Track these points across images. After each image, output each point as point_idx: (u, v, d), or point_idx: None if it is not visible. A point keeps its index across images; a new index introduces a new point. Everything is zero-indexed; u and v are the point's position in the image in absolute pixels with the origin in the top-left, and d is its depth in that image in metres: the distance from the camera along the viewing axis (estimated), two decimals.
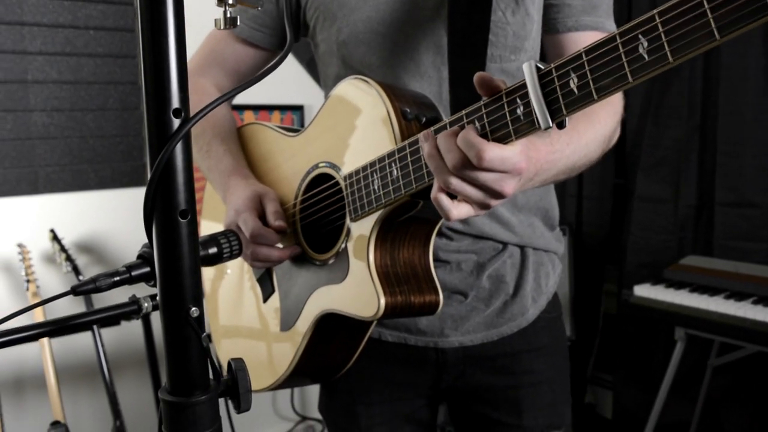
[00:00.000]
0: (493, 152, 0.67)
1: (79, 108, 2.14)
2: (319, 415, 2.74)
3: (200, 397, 0.58)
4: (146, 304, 0.75)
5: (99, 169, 2.19)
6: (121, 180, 2.24)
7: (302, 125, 2.80)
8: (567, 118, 0.65)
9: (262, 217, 0.97)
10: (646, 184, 2.57)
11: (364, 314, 0.85)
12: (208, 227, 1.23)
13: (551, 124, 0.64)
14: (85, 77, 2.13)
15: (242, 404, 0.63)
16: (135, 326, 2.18)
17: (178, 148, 0.55)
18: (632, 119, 2.62)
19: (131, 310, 0.74)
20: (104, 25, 2.14)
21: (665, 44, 0.56)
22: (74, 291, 0.70)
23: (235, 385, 0.63)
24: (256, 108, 2.61)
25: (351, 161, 0.89)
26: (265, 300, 1.07)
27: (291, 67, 2.57)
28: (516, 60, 0.98)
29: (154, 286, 0.76)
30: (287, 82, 2.54)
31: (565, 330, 1.15)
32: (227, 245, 0.85)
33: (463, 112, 0.73)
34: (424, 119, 0.84)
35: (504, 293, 1.04)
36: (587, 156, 0.91)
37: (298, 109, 2.74)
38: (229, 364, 0.65)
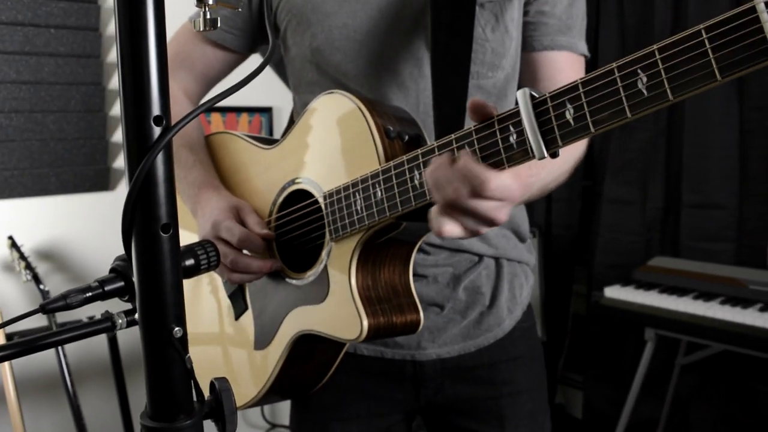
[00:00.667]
0: (497, 181, 0.65)
1: (40, 109, 2.05)
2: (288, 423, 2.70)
3: (185, 422, 0.55)
4: (120, 321, 0.71)
5: (60, 173, 2.11)
6: (83, 185, 2.16)
7: (271, 127, 2.75)
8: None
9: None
10: (614, 186, 2.61)
11: (346, 336, 0.84)
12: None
13: (546, 155, 0.63)
14: (45, 77, 2.05)
15: (228, 426, 0.60)
16: (99, 336, 2.10)
17: (159, 159, 0.52)
18: None
19: (104, 327, 0.70)
20: (66, 24, 2.06)
21: (665, 81, 0.55)
22: (43, 309, 0.65)
23: (219, 406, 0.60)
24: (223, 110, 2.55)
25: (331, 179, 0.87)
26: (237, 317, 1.03)
27: None
28: (493, 77, 0.97)
29: (129, 301, 0.73)
30: (255, 83, 2.47)
31: (539, 338, 1.15)
32: (204, 256, 0.81)
33: (453, 136, 0.71)
34: (406, 137, 0.82)
35: (480, 304, 1.04)
36: (559, 177, 0.92)
37: (267, 111, 2.69)
38: (212, 384, 0.62)
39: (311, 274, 0.89)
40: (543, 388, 1.10)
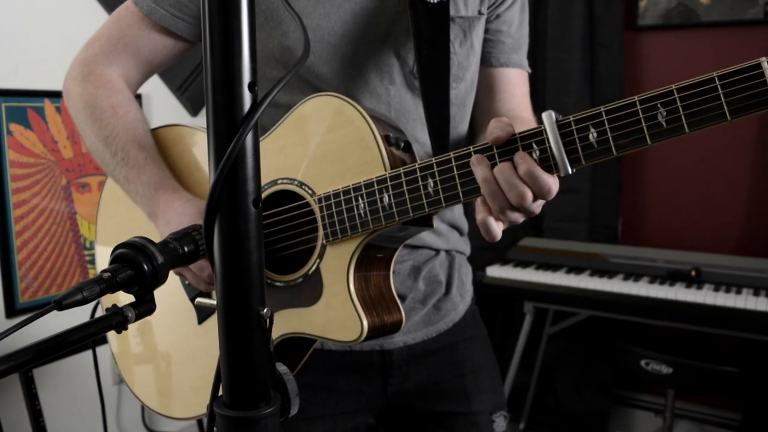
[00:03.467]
0: (557, 185, 0.71)
1: None
2: (166, 428, 2.54)
3: (267, 410, 0.52)
4: (130, 314, 0.64)
5: None
6: None
7: None
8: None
9: None
10: None
11: (343, 338, 0.83)
12: (108, 245, 1.07)
13: (570, 171, 0.69)
14: None
15: (293, 408, 0.57)
16: None
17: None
18: None
19: (117, 322, 0.63)
20: None
21: (683, 117, 0.63)
22: (60, 305, 0.58)
23: (282, 389, 0.57)
24: None
25: (324, 181, 0.85)
26: (200, 321, 0.97)
27: None
28: (456, 88, 1.02)
29: (135, 292, 0.66)
30: None
31: None
32: (202, 241, 0.76)
33: (471, 149, 0.75)
34: (402, 144, 0.84)
35: (438, 293, 1.10)
36: None
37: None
38: None
39: (299, 276, 0.87)
40: (495, 363, 1.19)
